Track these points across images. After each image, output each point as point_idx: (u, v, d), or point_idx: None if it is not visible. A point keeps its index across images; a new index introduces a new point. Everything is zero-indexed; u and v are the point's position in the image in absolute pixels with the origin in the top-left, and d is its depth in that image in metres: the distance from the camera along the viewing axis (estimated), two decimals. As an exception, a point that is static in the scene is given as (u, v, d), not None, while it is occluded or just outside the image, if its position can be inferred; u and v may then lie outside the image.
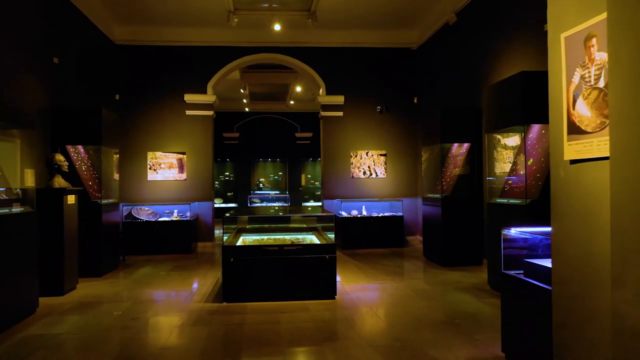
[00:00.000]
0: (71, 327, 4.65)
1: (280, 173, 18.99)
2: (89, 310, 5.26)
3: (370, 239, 9.83)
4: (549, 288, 2.99)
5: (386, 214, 10.26)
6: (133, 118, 10.17)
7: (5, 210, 4.73)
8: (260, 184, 18.78)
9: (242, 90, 14.28)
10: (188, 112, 10.31)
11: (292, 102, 16.41)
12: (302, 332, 4.41)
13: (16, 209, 4.94)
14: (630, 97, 1.90)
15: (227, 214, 7.05)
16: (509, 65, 6.73)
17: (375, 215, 10.20)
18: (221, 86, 13.61)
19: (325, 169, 10.75)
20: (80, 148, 7.49)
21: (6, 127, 5.16)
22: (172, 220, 9.60)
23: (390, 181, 10.79)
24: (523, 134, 5.78)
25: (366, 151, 10.74)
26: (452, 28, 8.83)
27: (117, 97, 10.08)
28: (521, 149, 5.96)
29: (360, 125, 10.74)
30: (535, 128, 5.66)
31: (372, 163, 10.75)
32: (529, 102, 5.26)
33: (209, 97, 10.34)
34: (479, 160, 7.78)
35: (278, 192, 18.64)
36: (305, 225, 7.39)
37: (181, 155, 10.27)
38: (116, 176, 8.40)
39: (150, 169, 10.17)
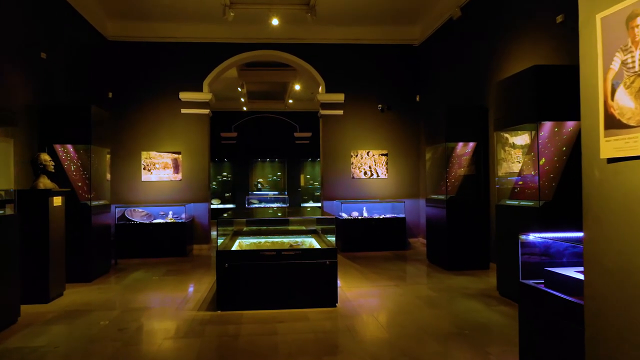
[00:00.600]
0: (53, 338, 4.33)
1: (278, 173, 18.67)
2: (74, 319, 4.94)
3: (371, 242, 9.52)
4: (577, 301, 2.68)
5: (387, 216, 9.95)
6: (126, 116, 9.84)
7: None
8: (259, 185, 18.46)
9: (239, 89, 13.97)
10: (183, 111, 9.99)
11: (290, 101, 16.10)
12: (301, 345, 4.09)
13: (-5, 212, 4.62)
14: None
15: (225, 215, 6.75)
16: (518, 60, 6.42)
17: (377, 216, 9.88)
18: (218, 85, 13.32)
19: (325, 169, 10.44)
20: (70, 147, 7.17)
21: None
22: (166, 222, 9.28)
23: (391, 182, 10.48)
24: (535, 132, 5.47)
25: (367, 151, 10.42)
26: (456, 23, 8.53)
27: (110, 95, 9.75)
28: (532, 148, 5.65)
29: (360, 124, 10.43)
30: (547, 126, 5.36)
31: (373, 163, 10.44)
32: (542, 97, 4.95)
33: (205, 95, 10.02)
34: (484, 160, 7.47)
35: (276, 192, 18.32)
36: (304, 228, 7.09)
37: (176, 155, 9.95)
38: (108, 177, 8.08)
39: (144, 169, 9.85)
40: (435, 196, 7.94)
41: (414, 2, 8.99)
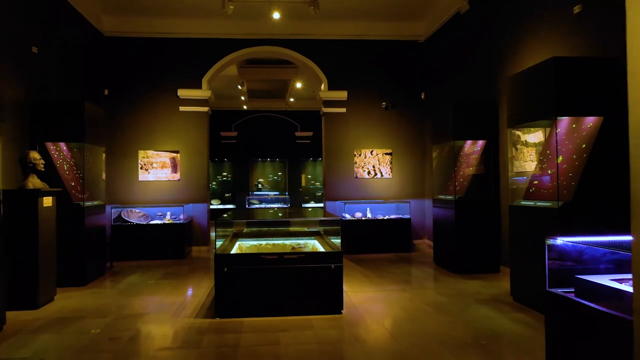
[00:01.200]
0: (39, 349, 4.03)
1: (279, 173, 18.37)
2: (64, 327, 4.64)
3: (375, 243, 9.23)
4: (620, 315, 2.38)
5: (392, 217, 9.65)
6: (123, 114, 9.55)
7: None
8: (259, 185, 18.16)
9: (239, 87, 13.67)
10: (182, 109, 9.69)
11: (292, 100, 15.80)
12: (305, 357, 3.80)
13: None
14: None
15: (225, 215, 6.46)
16: (533, 53, 6.12)
17: (381, 217, 9.58)
18: (218, 83, 13.04)
19: (328, 168, 10.14)
20: (63, 146, 6.88)
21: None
22: (164, 224, 8.98)
23: (396, 181, 10.18)
24: (554, 128, 5.18)
25: (371, 150, 10.13)
26: (463, 17, 8.23)
27: (106, 92, 9.46)
28: (548, 146, 5.36)
29: (364, 122, 10.14)
30: (564, 122, 5.07)
31: (377, 162, 10.14)
32: (562, 91, 4.66)
33: (204, 93, 9.72)
34: (494, 158, 7.17)
35: (277, 193, 18.02)
36: (306, 230, 6.80)
37: (174, 154, 9.66)
38: (103, 176, 7.79)
39: (141, 168, 9.55)
40: (443, 196, 7.64)
41: (420, -4, 8.71)
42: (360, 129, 10.12)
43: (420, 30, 10.12)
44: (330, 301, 4.92)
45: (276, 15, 8.26)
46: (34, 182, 5.45)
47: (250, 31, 9.73)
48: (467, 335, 4.26)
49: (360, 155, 10.10)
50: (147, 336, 4.41)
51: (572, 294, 2.84)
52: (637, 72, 2.08)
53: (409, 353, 3.87)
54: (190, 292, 6.18)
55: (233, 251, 5.45)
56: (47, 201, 5.47)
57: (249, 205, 16.59)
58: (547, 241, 2.95)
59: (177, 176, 9.64)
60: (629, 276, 2.26)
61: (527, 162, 6.29)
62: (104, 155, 7.74)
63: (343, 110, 10.07)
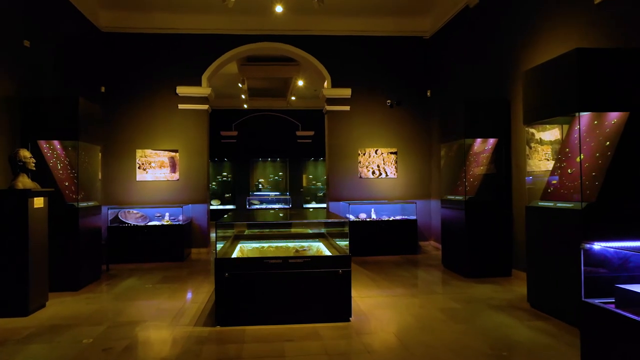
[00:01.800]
0: (26, 361, 3.75)
1: (280, 173, 18.08)
2: (55, 336, 4.36)
3: (381, 245, 8.94)
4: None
5: (397, 218, 9.36)
6: (120, 112, 9.27)
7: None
8: (260, 185, 17.86)
9: (240, 85, 13.39)
10: (181, 106, 9.41)
11: (293, 98, 15.52)
12: (313, 370, 3.51)
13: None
14: None
15: (225, 216, 6.18)
16: (549, 47, 5.84)
17: (386, 218, 9.30)
18: (218, 81, 12.76)
19: (331, 168, 9.86)
20: (57, 144, 6.60)
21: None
22: (162, 225, 8.70)
23: (401, 181, 9.90)
24: (574, 125, 4.91)
25: (375, 149, 9.84)
26: (472, 12, 7.95)
27: (103, 89, 9.18)
28: (568, 143, 5.08)
29: (368, 121, 9.85)
30: (585, 118, 4.79)
31: (382, 162, 9.86)
32: (585, 85, 4.37)
33: (203, 90, 9.44)
34: (506, 157, 6.89)
35: (278, 193, 17.72)
36: (310, 231, 6.51)
37: (173, 154, 9.37)
38: (99, 176, 7.51)
39: (139, 168, 9.27)
40: (452, 197, 7.36)
41: (427, -11, 8.44)
42: (364, 128, 9.84)
43: (426, 26, 9.84)
44: (337, 308, 4.64)
45: (279, 8, 7.98)
46: (24, 181, 5.16)
47: (251, 27, 9.45)
48: (485, 346, 3.97)
49: (364, 154, 9.81)
50: (143, 346, 4.13)
51: (612, 305, 2.55)
52: None
53: (425, 366, 3.59)
54: (189, 297, 5.90)
55: (234, 254, 5.17)
56: (38, 202, 5.19)
57: (249, 206, 16.30)
58: (583, 246, 2.66)
59: (176, 176, 9.36)
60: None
61: (542, 161, 6.01)
62: (100, 154, 7.45)
63: (347, 108, 9.79)
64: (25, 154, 5.27)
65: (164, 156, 9.34)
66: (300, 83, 13.04)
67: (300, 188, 17.87)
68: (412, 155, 9.94)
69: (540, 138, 6.03)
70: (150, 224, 8.78)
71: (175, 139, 9.41)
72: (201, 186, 9.47)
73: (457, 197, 7.17)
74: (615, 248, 2.57)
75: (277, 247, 5.92)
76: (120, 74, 9.29)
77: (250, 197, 16.84)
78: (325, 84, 9.95)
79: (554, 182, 5.09)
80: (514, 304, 5.29)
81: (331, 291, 4.62)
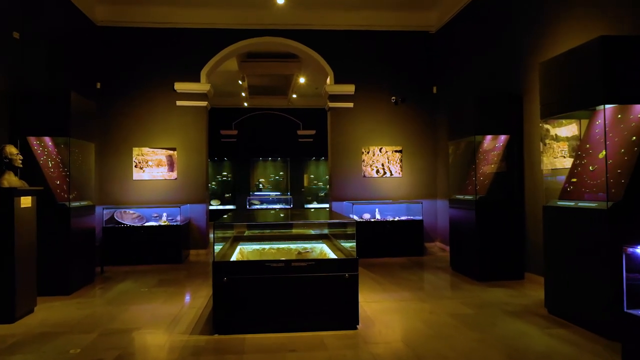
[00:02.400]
0: (7, 374, 3.45)
1: (281, 173, 17.77)
2: (40, 345, 4.06)
3: (386, 247, 8.64)
4: None
5: (402, 218, 9.06)
6: (116, 109, 8.96)
7: None
8: (260, 185, 17.56)
9: (240, 82, 13.08)
10: (179, 103, 9.11)
11: (294, 96, 15.21)
12: (319, 385, 3.21)
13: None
14: None
15: (225, 216, 5.88)
16: (568, 36, 5.54)
17: (391, 219, 8.99)
18: (218, 79, 12.46)
19: (334, 167, 9.55)
20: (48, 141, 6.30)
21: None
22: (160, 225, 8.40)
23: (406, 181, 9.59)
24: (594, 119, 4.61)
25: (379, 147, 9.54)
26: (481, 4, 7.65)
27: (99, 85, 8.88)
28: (588, 139, 4.78)
29: (372, 118, 9.55)
30: (607, 112, 4.48)
31: (386, 160, 9.56)
32: (611, 75, 4.07)
33: (202, 86, 9.14)
34: (519, 154, 6.59)
35: (278, 193, 17.42)
36: (313, 232, 6.22)
37: (171, 152, 9.07)
38: (93, 175, 7.21)
39: (136, 166, 8.97)
40: (461, 196, 7.06)
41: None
42: (368, 125, 9.54)
43: (432, 20, 9.54)
44: (344, 315, 4.34)
45: (280, 0, 7.67)
46: (10, 179, 4.86)
47: (252, 21, 9.15)
48: (504, 356, 3.67)
49: (368, 152, 9.51)
50: (134, 357, 3.82)
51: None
52: None
53: (441, 380, 3.28)
54: (186, 302, 5.59)
55: (234, 256, 4.88)
56: (26, 201, 4.89)
57: (249, 206, 15.99)
58: (625, 250, 2.36)
59: (174, 175, 9.06)
60: None
61: (557, 159, 5.71)
62: (94, 152, 7.15)
63: (350, 105, 9.48)
64: (11, 150, 4.98)
65: (161, 154, 9.04)
66: (302, 80, 12.73)
67: (302, 188, 17.56)
68: (418, 154, 9.64)
69: (555, 134, 5.73)
70: (147, 224, 8.48)
71: (173, 136, 9.11)
72: (200, 185, 9.17)
73: (466, 197, 6.87)
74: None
75: (278, 248, 5.63)
76: (116, 70, 8.99)
77: (251, 197, 16.54)
78: (328, 80, 9.66)
79: (574, 180, 4.79)
80: (530, 309, 4.99)
81: (337, 297, 4.32)
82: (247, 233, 6.14)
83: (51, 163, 6.23)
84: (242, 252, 5.38)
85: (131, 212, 8.68)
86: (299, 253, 5.49)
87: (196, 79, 9.13)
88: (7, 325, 4.62)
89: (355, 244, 4.52)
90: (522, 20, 6.53)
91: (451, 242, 7.38)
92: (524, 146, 6.52)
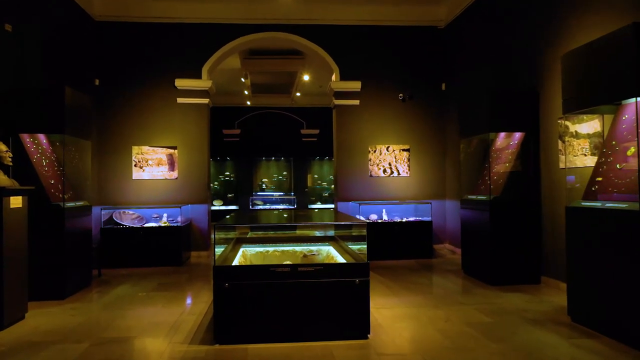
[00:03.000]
0: (-10, 389, 3.17)
1: (284, 173, 17.48)
2: (28, 355, 3.78)
3: (393, 249, 8.34)
4: None
5: (411, 219, 8.76)
6: (115, 106, 8.69)
7: None
8: (263, 185, 17.27)
9: (242, 80, 12.81)
10: (180, 100, 8.83)
11: (298, 94, 14.93)
12: (330, 404, 2.92)
13: None
14: None
15: (227, 217, 5.61)
16: (589, 29, 5.23)
17: (398, 220, 8.69)
18: (220, 77, 12.20)
19: (339, 166, 9.26)
20: (42, 138, 6.03)
21: None
22: (160, 227, 8.12)
23: (414, 180, 9.29)
24: (620, 114, 4.30)
25: (386, 146, 9.24)
26: (494, -4, 7.36)
27: (97, 82, 8.61)
28: (614, 135, 4.47)
29: (379, 116, 9.25)
30: (632, 106, 4.18)
31: (394, 159, 9.26)
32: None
33: (204, 83, 8.86)
34: (534, 153, 6.28)
35: (282, 193, 17.13)
36: (318, 234, 5.93)
37: (172, 150, 8.80)
38: (90, 174, 6.94)
39: (135, 165, 8.69)
40: (474, 197, 6.75)
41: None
42: (375, 123, 9.24)
43: (441, 15, 9.24)
44: (354, 323, 4.04)
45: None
46: (-1, 178, 4.59)
47: (255, 16, 8.87)
48: (531, 371, 3.37)
49: (375, 151, 9.21)
50: (129, 370, 3.54)
51: None
52: None
53: (463, 398, 2.98)
54: (186, 307, 5.31)
55: (236, 259, 4.59)
56: (16, 201, 4.61)
57: (252, 207, 15.70)
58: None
59: (174, 174, 8.78)
60: None
61: (578, 157, 5.42)
62: (90, 150, 6.88)
63: (356, 102, 9.19)
64: (0, 147, 4.70)
65: (161, 153, 8.76)
66: (306, 78, 12.45)
67: (305, 188, 17.28)
68: (426, 153, 9.34)
69: (575, 131, 5.43)
70: (146, 225, 8.20)
71: (174, 134, 8.83)
72: (201, 185, 8.89)
73: (479, 197, 6.57)
74: None
75: (283, 251, 5.35)
76: (115, 66, 8.72)
77: (254, 198, 16.26)
78: (334, 76, 9.36)
79: (599, 179, 4.48)
80: (551, 317, 4.68)
81: (347, 304, 4.03)
82: (250, 235, 5.86)
83: (45, 162, 5.95)
84: (244, 255, 5.09)
85: (130, 212, 8.41)
86: (305, 256, 5.21)
87: (197, 75, 8.85)
88: (-5, 333, 4.35)
89: (365, 246, 4.23)
90: (539, 12, 6.23)
91: (463, 245, 7.08)
92: (540, 144, 6.21)
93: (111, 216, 8.17)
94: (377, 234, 8.33)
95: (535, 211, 6.22)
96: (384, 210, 8.91)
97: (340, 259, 4.64)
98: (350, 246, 5.04)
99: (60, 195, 5.81)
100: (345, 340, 3.98)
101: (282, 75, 13.32)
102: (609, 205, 4.13)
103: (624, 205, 3.93)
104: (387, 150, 9.24)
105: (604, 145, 4.63)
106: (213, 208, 15.00)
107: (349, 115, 9.20)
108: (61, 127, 5.67)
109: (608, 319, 4.07)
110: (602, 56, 4.18)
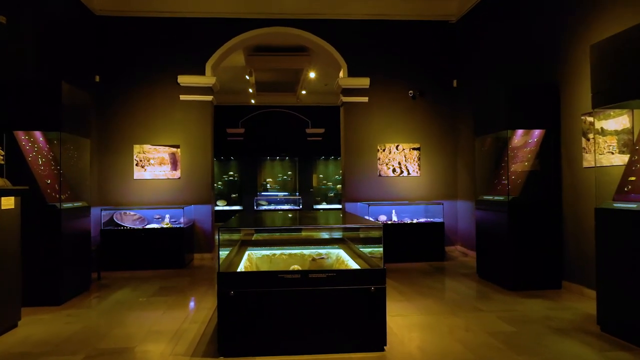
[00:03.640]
0: (-28, 409, 2.89)
1: (289, 173, 17.19)
2: (18, 369, 3.50)
3: (404, 251, 8.03)
4: None
5: (421, 220, 8.45)
6: (116, 104, 8.43)
7: None
8: (268, 185, 16.98)
9: (247, 77, 12.52)
10: (183, 97, 8.55)
11: (303, 92, 14.62)
12: None
13: None
14: None
15: (232, 217, 5.32)
16: (619, 17, 4.91)
17: (409, 221, 8.39)
18: (224, 75, 11.92)
19: (347, 166, 8.96)
20: (38, 136, 5.76)
21: None
22: (162, 228, 7.85)
23: (424, 180, 8.98)
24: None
25: (396, 144, 8.93)
26: (510, -12, 7.04)
27: (97, 78, 8.35)
28: (649, 131, 4.15)
29: (388, 113, 8.95)
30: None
31: (403, 159, 8.95)
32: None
33: (207, 79, 8.58)
34: (555, 151, 5.96)
35: (287, 193, 16.84)
36: (327, 236, 5.64)
37: (174, 149, 8.52)
38: (88, 173, 6.67)
39: (137, 165, 8.42)
40: (490, 197, 6.44)
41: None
42: (384, 121, 8.93)
43: (452, 9, 8.92)
44: (369, 334, 3.74)
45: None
46: (-10, 178, 4.31)
47: (260, 10, 8.58)
48: (566, 389, 3.06)
49: (384, 150, 8.91)
50: (126, 386, 3.25)
51: None
52: None
53: (495, 422, 2.68)
54: (188, 314, 5.01)
55: (242, 263, 4.30)
56: (8, 202, 4.33)
57: (257, 207, 15.43)
58: None
59: (177, 174, 8.50)
60: None
61: (604, 155, 5.11)
62: (89, 148, 6.61)
63: (365, 99, 8.88)
64: (-9, 144, 4.43)
65: (164, 152, 8.49)
66: (312, 75, 12.13)
67: (310, 188, 16.98)
68: (437, 152, 9.02)
69: (601, 128, 5.12)
70: (148, 226, 7.93)
71: (177, 133, 8.55)
72: (205, 185, 8.61)
73: (496, 198, 6.25)
74: None
75: (290, 254, 5.06)
76: (116, 62, 8.45)
77: (258, 198, 15.97)
78: (341, 73, 9.06)
79: (632, 178, 4.16)
80: (578, 326, 4.37)
81: (361, 313, 3.72)
82: (255, 237, 5.57)
83: (42, 160, 5.68)
84: (250, 258, 4.80)
85: (132, 213, 8.14)
86: (314, 259, 4.92)
87: (201, 71, 8.57)
88: (-15, 343, 4.07)
89: (382, 250, 3.92)
90: (560, 2, 5.91)
91: (478, 247, 6.76)
92: (562, 141, 5.89)
93: (112, 217, 7.90)
94: (387, 235, 7.88)
95: (555, 212, 5.90)
96: (393, 211, 8.60)
97: (352, 263, 4.34)
98: (361, 248, 4.74)
99: (57, 196, 5.53)
100: (359, 353, 3.69)
101: (287, 72, 13.02)
102: (645, 206, 3.81)
103: (664, 207, 3.61)
104: (397, 149, 8.93)
105: (637, 142, 4.31)
106: (217, 208, 14.73)
107: (357, 112, 8.90)
108: (58, 124, 5.40)
109: (644, 330, 3.75)
110: (636, 46, 3.86)
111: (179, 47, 8.55)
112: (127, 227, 7.82)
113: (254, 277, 3.79)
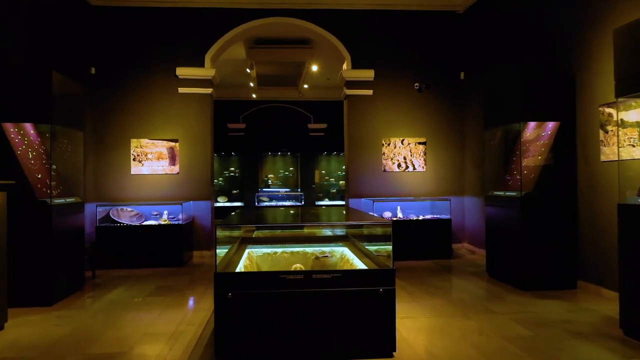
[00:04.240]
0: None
1: (291, 169, 16.91)
2: (0, 376, 3.26)
3: (410, 249, 7.77)
4: None
5: (427, 217, 8.18)
6: (113, 97, 8.16)
7: None
8: (269, 181, 16.72)
9: (248, 70, 12.23)
10: (181, 90, 8.28)
11: (305, 86, 14.33)
12: None
13: None
14: None
15: (233, 213, 5.06)
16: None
17: (415, 218, 8.13)
18: (224, 69, 11.65)
19: (351, 161, 8.69)
20: (29, 128, 5.49)
21: None
22: (160, 225, 7.59)
23: (430, 175, 8.71)
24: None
25: (401, 138, 8.66)
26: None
27: (93, 70, 8.08)
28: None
29: (393, 107, 8.67)
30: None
31: (409, 153, 8.67)
32: None
33: (207, 71, 8.31)
34: (570, 144, 5.69)
35: (288, 189, 16.57)
36: (330, 233, 5.37)
37: (173, 144, 8.26)
38: (82, 168, 6.41)
39: (134, 160, 8.16)
40: (501, 193, 6.17)
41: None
42: (389, 114, 8.65)
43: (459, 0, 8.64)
44: (376, 339, 3.48)
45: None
46: (-27, 171, 4.05)
47: (261, 0, 8.29)
48: (593, 401, 2.80)
49: (389, 145, 8.63)
50: (114, 396, 3.00)
51: None
52: None
53: None
54: (185, 315, 4.76)
55: (241, 263, 4.04)
56: (-8, 197, 4.08)
57: (258, 203, 15.15)
58: None
59: (175, 169, 8.25)
60: None
61: (624, 148, 4.82)
62: (82, 141, 6.35)
63: (369, 92, 8.60)
64: (-26, 136, 4.18)
65: (162, 146, 8.23)
66: (315, 68, 11.84)
67: (312, 184, 16.71)
68: (443, 146, 8.75)
69: (621, 119, 4.83)
70: (145, 223, 7.68)
71: (175, 127, 8.29)
72: (204, 181, 8.35)
73: (508, 193, 5.98)
74: None
75: (292, 252, 4.82)
76: (112, 54, 8.18)
77: (259, 194, 15.71)
78: (345, 65, 8.78)
79: (659, 172, 3.89)
80: (599, 329, 4.11)
81: (369, 316, 3.46)
82: (256, 234, 5.31)
83: (32, 154, 5.42)
84: (250, 257, 4.55)
85: (129, 209, 7.89)
86: (317, 258, 4.66)
87: (200, 63, 8.30)
88: (-32, 347, 3.83)
89: (391, 248, 3.66)
90: (575, -13, 5.63)
91: (487, 245, 6.50)
92: (577, 134, 5.62)
93: (108, 213, 7.65)
94: (392, 232, 7.74)
95: (570, 208, 5.63)
96: (398, 207, 8.34)
97: (358, 262, 4.09)
98: (367, 247, 4.48)
99: (47, 191, 5.28)
100: (366, 359, 3.42)
101: (289, 65, 12.73)
102: (675, 202, 3.54)
103: (697, 203, 3.34)
104: (402, 143, 8.65)
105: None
106: (217, 205, 14.49)
107: (361, 106, 8.62)
108: (48, 116, 5.13)
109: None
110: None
111: (178, 38, 8.29)
112: (123, 223, 7.57)
113: (254, 278, 3.53)
